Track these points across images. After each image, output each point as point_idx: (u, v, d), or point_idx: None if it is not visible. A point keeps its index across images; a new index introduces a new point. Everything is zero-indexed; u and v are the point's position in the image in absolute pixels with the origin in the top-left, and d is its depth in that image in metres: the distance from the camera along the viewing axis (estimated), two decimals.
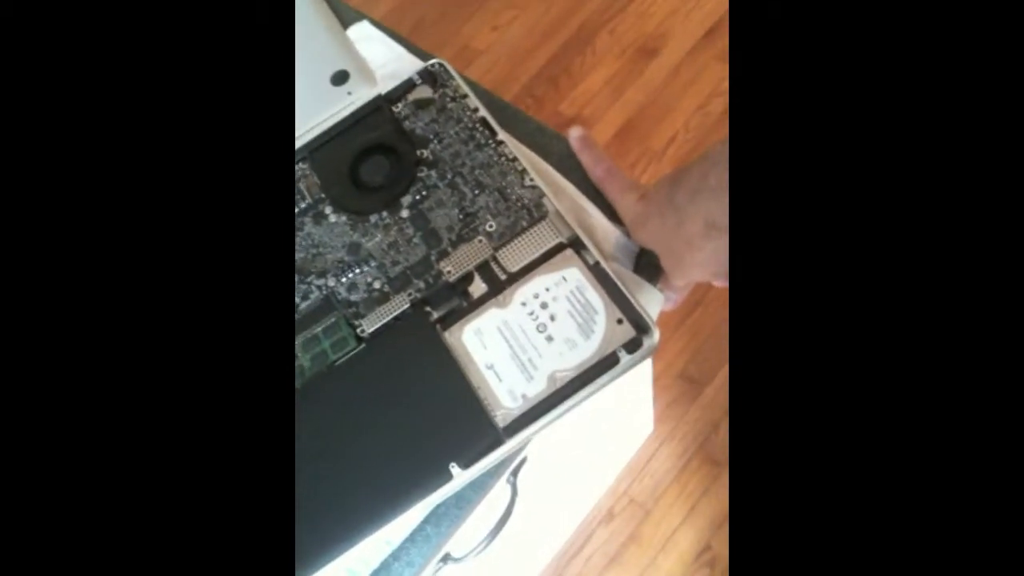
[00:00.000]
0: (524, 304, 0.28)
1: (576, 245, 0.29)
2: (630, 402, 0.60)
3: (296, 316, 0.30)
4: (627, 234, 0.30)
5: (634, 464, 0.83)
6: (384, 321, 0.29)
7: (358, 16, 0.38)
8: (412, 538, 0.29)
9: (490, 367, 0.27)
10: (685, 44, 1.03)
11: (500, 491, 0.35)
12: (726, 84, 0.98)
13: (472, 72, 1.13)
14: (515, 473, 0.36)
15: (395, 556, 0.28)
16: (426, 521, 0.29)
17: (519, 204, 0.30)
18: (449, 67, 0.33)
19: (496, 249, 0.29)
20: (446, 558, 0.34)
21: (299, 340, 0.29)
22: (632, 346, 0.27)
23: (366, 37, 0.37)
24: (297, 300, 0.30)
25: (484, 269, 0.29)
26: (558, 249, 0.29)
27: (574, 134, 0.32)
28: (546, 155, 0.33)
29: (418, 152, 0.32)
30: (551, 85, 1.03)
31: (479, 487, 0.29)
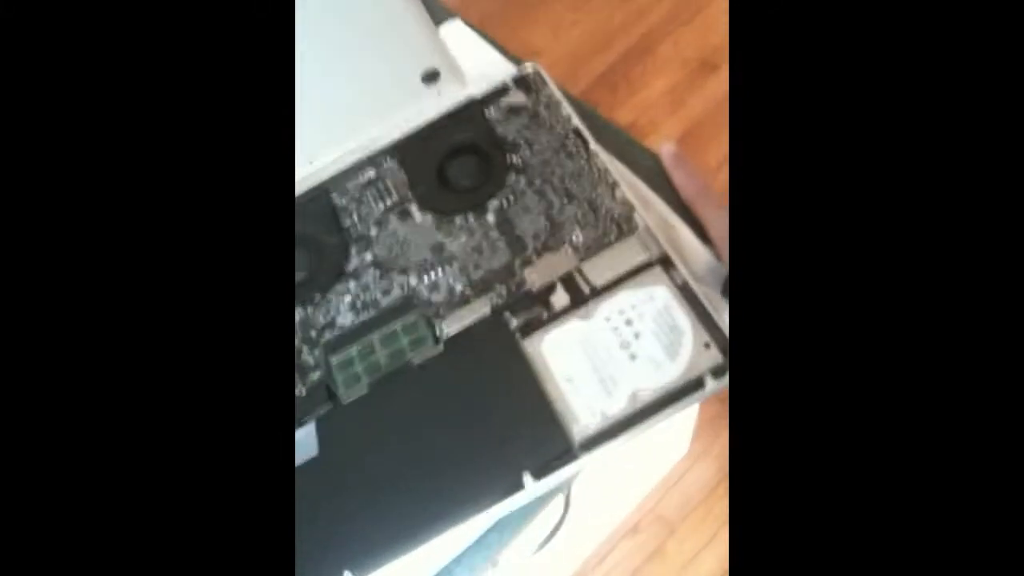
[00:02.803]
0: (608, 319, 0.28)
1: (665, 263, 0.28)
2: (675, 422, 0.60)
3: (376, 311, 0.30)
4: (717, 256, 0.30)
5: (665, 480, 0.82)
6: (464, 324, 0.29)
7: (450, 14, 0.38)
8: (474, 545, 0.29)
9: (569, 380, 0.27)
10: None
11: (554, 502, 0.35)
12: None
13: None
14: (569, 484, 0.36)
15: (456, 561, 0.28)
16: (490, 528, 0.29)
17: (608, 217, 0.30)
18: (544, 73, 0.33)
19: (582, 261, 0.29)
20: (495, 563, 0.34)
21: (377, 336, 0.29)
22: (719, 372, 0.26)
23: (457, 36, 0.37)
24: (379, 296, 0.30)
25: (568, 280, 0.29)
26: (646, 266, 0.28)
27: (667, 150, 0.32)
28: (635, 169, 0.32)
29: (508, 157, 0.31)
30: (609, 91, 1.03)
31: (541, 497, 0.29)
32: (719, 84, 1.02)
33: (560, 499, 0.36)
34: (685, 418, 0.65)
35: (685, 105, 1.01)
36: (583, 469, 0.28)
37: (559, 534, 0.48)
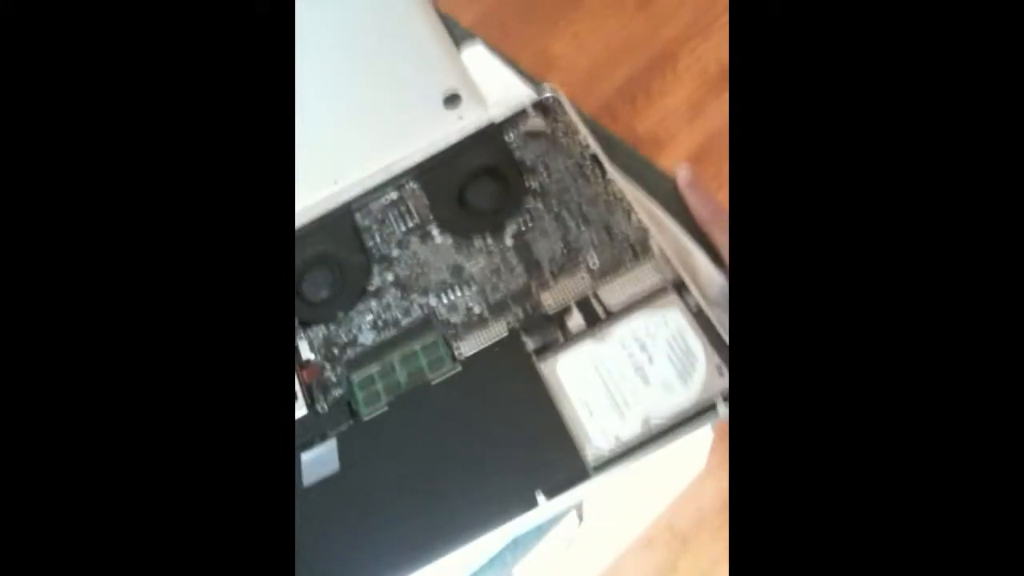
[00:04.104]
0: (622, 343, 0.28)
1: (679, 288, 0.29)
2: (693, 439, 0.60)
3: (397, 330, 0.31)
4: None
5: (680, 494, 0.82)
6: (481, 345, 0.30)
7: (470, 36, 0.39)
8: (489, 562, 0.29)
9: (583, 403, 0.28)
10: None
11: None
12: None
13: (550, 82, 1.14)
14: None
15: None
16: (505, 545, 0.29)
17: (624, 242, 0.30)
18: (564, 100, 0.33)
19: (597, 285, 0.30)
20: None
21: (397, 355, 0.30)
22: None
23: (478, 59, 0.38)
24: (399, 315, 0.31)
25: (584, 304, 0.29)
26: (661, 290, 0.29)
27: (682, 173, 0.32)
28: (651, 192, 0.33)
29: (526, 181, 0.32)
30: (628, 102, 1.03)
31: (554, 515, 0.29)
32: None
33: (573, 515, 0.37)
34: (703, 435, 0.65)
35: (704, 116, 1.01)
36: (595, 489, 0.28)
37: (572, 549, 0.48)
